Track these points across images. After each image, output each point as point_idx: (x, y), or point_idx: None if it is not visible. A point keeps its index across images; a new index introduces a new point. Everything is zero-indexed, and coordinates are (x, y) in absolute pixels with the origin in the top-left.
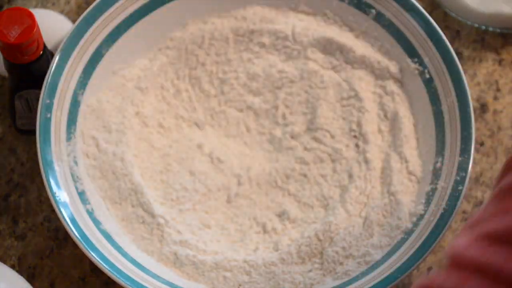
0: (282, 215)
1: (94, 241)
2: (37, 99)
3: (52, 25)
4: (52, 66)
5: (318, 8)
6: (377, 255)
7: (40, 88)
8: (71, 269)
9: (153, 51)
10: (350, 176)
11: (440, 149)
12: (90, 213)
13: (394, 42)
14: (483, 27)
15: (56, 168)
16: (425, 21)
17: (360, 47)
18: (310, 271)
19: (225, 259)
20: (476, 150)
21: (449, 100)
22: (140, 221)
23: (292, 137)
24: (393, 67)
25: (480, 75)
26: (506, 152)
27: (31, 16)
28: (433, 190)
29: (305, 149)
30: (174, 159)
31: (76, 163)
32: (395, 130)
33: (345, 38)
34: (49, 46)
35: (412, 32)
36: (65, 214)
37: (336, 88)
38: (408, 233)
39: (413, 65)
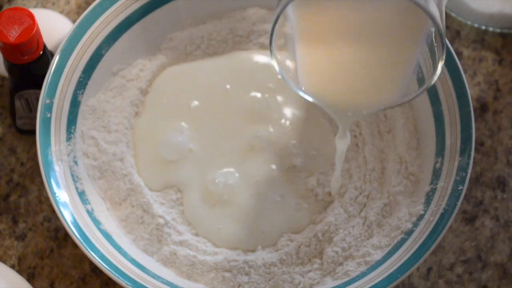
0: None
1: (94, 241)
2: (37, 99)
3: (52, 25)
4: (52, 66)
5: None
6: (377, 255)
7: (40, 88)
8: (71, 269)
9: (153, 51)
10: (350, 176)
11: (440, 149)
12: (90, 213)
13: None
14: (483, 27)
15: (56, 168)
16: None
17: None
18: (310, 271)
19: (225, 259)
20: (476, 150)
21: (449, 100)
22: (140, 221)
23: None
24: None
25: (480, 75)
26: (506, 152)
27: (31, 16)
28: (433, 190)
29: None
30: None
31: (76, 163)
32: (395, 131)
33: None
34: (49, 46)
35: None
36: (65, 214)
37: None
38: (408, 233)
39: None
